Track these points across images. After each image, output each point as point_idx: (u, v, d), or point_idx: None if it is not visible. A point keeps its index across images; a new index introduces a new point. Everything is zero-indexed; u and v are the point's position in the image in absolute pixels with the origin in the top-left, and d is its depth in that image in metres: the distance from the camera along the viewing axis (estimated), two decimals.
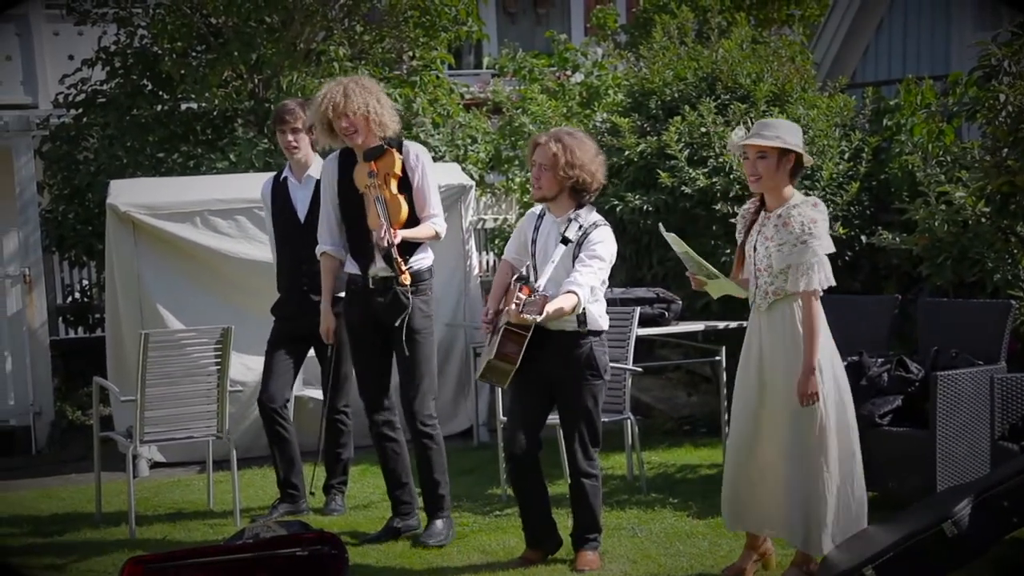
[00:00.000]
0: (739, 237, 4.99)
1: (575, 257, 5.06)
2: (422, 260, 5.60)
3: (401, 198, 5.47)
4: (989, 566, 4.78)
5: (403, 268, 5.36)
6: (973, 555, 4.41)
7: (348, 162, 5.61)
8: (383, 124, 5.49)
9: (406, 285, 5.40)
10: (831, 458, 4.75)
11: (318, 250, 5.78)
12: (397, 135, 5.59)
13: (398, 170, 5.47)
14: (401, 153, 5.54)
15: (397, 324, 5.48)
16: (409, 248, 5.51)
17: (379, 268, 5.51)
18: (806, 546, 4.79)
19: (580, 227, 5.10)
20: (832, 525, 4.76)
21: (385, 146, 5.50)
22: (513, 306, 4.82)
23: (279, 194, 6.29)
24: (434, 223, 5.56)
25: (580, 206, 5.16)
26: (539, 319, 4.81)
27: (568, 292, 4.94)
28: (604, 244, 5.09)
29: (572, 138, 5.13)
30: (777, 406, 4.77)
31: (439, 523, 5.62)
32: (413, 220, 5.53)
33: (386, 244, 5.34)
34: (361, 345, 5.68)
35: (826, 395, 4.75)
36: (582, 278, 4.98)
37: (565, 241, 5.07)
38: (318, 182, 6.20)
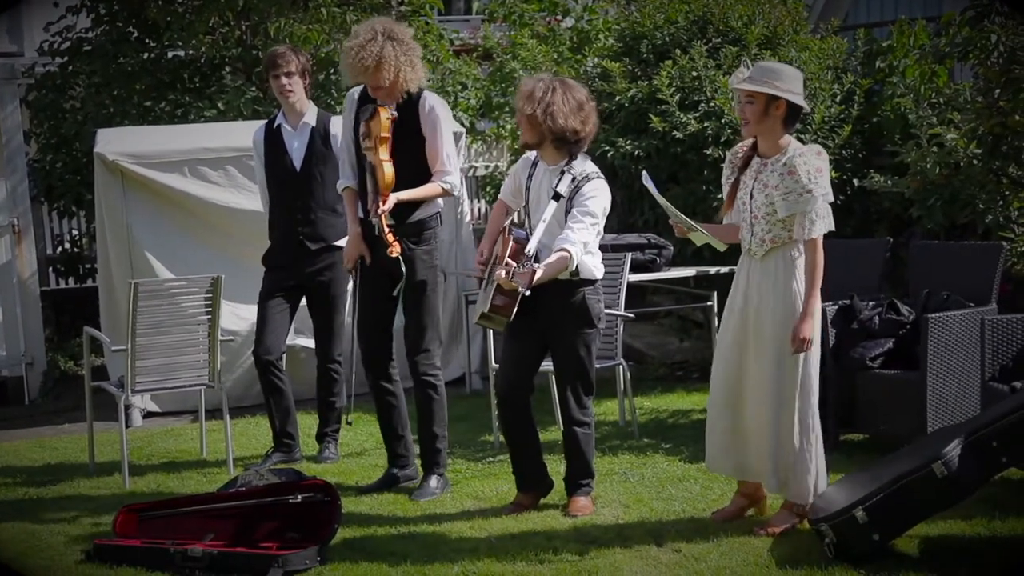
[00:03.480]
0: (727, 178, 4.95)
1: (567, 211, 5.00)
2: (427, 208, 5.49)
3: (388, 164, 5.31)
4: (979, 506, 4.82)
5: (391, 240, 5.25)
6: (962, 495, 4.44)
7: (365, 100, 5.47)
8: (409, 82, 5.33)
9: (397, 256, 5.29)
10: (814, 405, 4.77)
11: (339, 185, 5.66)
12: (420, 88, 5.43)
13: (385, 132, 5.32)
14: (419, 104, 5.38)
15: (395, 293, 5.43)
16: (413, 203, 5.40)
17: (373, 212, 5.39)
18: (794, 495, 4.81)
19: (572, 179, 5.02)
20: (817, 472, 4.78)
21: (373, 107, 5.35)
22: (503, 272, 4.75)
23: (273, 141, 6.21)
24: (444, 181, 5.41)
25: (572, 156, 5.09)
26: (526, 292, 4.75)
27: (560, 251, 4.90)
28: (596, 199, 5.00)
29: (551, 89, 4.99)
30: (765, 353, 4.76)
31: (433, 480, 5.58)
32: (423, 174, 5.42)
33: (373, 214, 5.27)
34: (367, 288, 5.58)
35: (815, 344, 4.75)
36: (574, 235, 4.92)
37: (556, 197, 5.01)
38: (314, 129, 6.16)
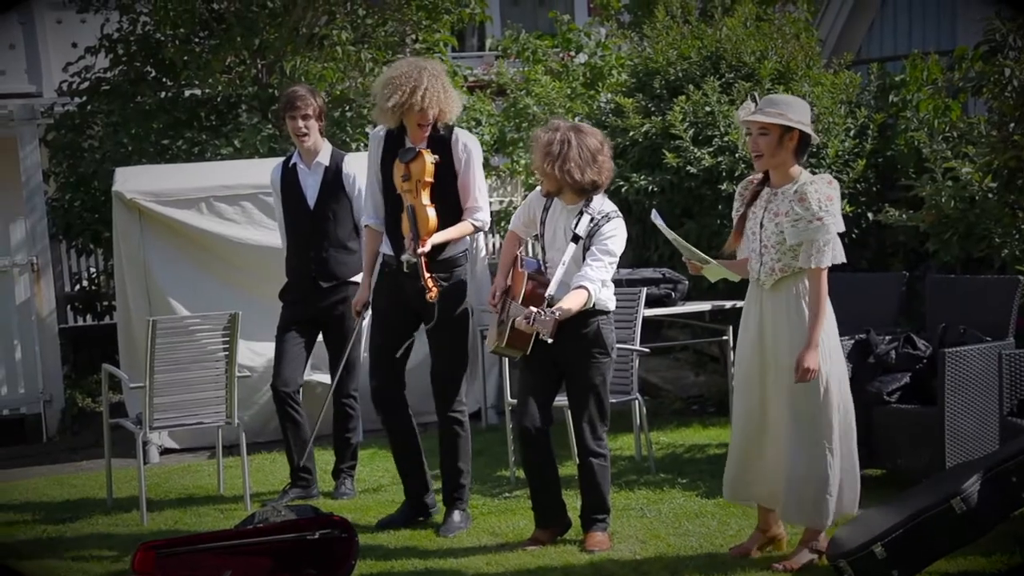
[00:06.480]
0: (736, 210, 4.97)
1: (586, 248, 5.06)
2: (456, 246, 5.51)
3: (430, 208, 5.34)
4: (999, 541, 4.78)
5: (431, 285, 5.27)
6: (982, 531, 4.42)
7: (393, 140, 5.49)
8: (448, 114, 5.39)
9: (434, 301, 5.30)
10: (834, 434, 4.75)
11: (362, 220, 5.73)
12: (453, 123, 5.48)
13: (429, 176, 5.34)
14: (451, 141, 5.42)
15: (428, 328, 5.45)
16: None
17: (412, 254, 5.40)
18: (812, 521, 4.80)
19: (591, 219, 5.08)
20: (836, 499, 4.76)
21: (417, 149, 5.36)
22: (524, 320, 4.82)
23: (288, 180, 6.28)
24: (475, 218, 5.45)
25: (590, 198, 5.12)
26: (550, 340, 4.85)
27: (578, 288, 4.96)
28: (615, 239, 5.08)
29: (565, 143, 5.02)
30: (781, 382, 4.76)
31: (457, 515, 5.58)
32: (455, 210, 5.43)
33: (413, 258, 5.29)
34: (386, 326, 5.58)
35: (829, 372, 4.74)
36: (593, 272, 4.99)
37: (576, 239, 5.06)
38: (327, 168, 6.20)
